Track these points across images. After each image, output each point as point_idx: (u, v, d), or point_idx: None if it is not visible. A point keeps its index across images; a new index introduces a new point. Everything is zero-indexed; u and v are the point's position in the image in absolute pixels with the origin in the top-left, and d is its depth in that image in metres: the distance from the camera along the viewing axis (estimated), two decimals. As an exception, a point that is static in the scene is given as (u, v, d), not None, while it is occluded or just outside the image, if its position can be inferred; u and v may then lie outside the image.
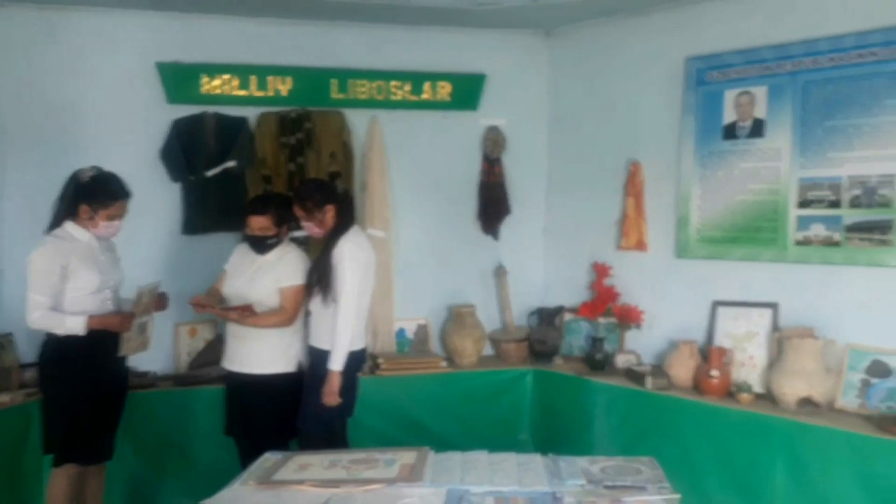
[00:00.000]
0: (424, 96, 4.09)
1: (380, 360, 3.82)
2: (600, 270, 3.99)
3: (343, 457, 2.36)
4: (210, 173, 3.77)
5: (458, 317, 4.07)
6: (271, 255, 3.15)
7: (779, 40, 3.34)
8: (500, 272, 4.26)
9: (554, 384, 3.90)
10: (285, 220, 3.17)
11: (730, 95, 3.50)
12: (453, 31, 4.10)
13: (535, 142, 4.33)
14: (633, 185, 3.86)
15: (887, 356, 3.03)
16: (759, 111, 3.41)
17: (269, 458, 2.39)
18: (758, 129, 3.42)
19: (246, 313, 3.02)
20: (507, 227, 4.27)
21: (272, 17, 3.84)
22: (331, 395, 2.94)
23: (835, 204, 3.18)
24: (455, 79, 4.12)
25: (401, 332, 4.10)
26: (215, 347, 3.63)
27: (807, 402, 3.07)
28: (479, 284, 4.30)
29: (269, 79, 3.88)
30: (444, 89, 4.11)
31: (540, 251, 4.38)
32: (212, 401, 3.44)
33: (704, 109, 3.59)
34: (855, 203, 3.13)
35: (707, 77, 3.58)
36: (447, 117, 4.17)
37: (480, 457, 2.33)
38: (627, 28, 3.90)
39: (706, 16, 3.59)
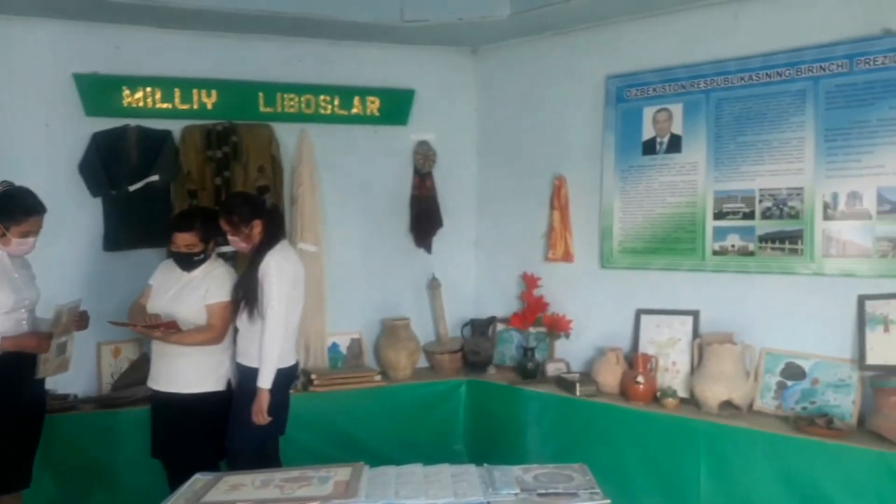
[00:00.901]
0: (354, 111, 4.10)
1: (312, 377, 3.78)
2: (529, 281, 4.08)
3: (276, 476, 2.32)
4: (133, 188, 3.66)
5: (391, 330, 4.07)
6: (198, 272, 3.07)
7: (692, 60, 3.51)
8: (433, 284, 4.29)
9: (487, 394, 3.95)
10: (212, 236, 3.10)
11: (648, 112, 3.66)
12: (381, 47, 4.13)
13: (465, 156, 4.40)
14: (558, 199, 3.97)
15: (801, 359, 3.20)
16: (676, 127, 3.58)
17: (198, 479, 2.32)
18: (675, 144, 3.58)
19: (170, 330, 2.94)
20: (440, 239, 4.31)
21: (196, 30, 3.77)
22: (260, 413, 2.89)
23: (748, 215, 3.36)
24: (384, 94, 4.15)
25: (334, 347, 4.07)
26: (140, 367, 3.51)
27: (727, 405, 3.21)
28: (412, 297, 4.32)
29: (194, 91, 3.80)
30: (374, 104, 4.12)
31: (472, 263, 4.44)
32: (137, 422, 3.31)
33: (625, 126, 3.74)
34: (767, 214, 3.31)
35: (627, 95, 3.73)
36: (377, 132, 4.19)
37: (415, 470, 2.34)
38: (551, 47, 4.02)
39: (625, 36, 3.75)
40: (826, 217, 3.14)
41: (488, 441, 3.91)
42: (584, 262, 3.96)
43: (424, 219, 4.24)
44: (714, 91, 3.44)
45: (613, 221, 3.80)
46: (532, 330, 4.01)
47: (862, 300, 3.04)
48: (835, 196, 3.12)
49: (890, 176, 2.98)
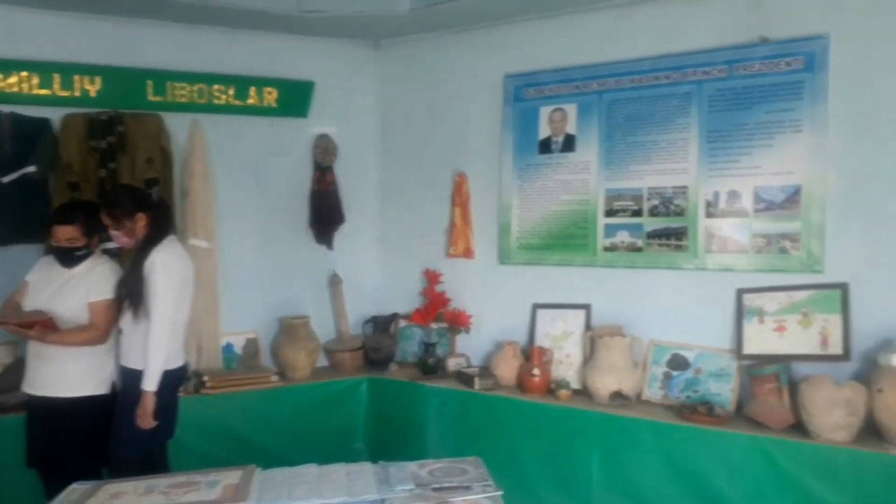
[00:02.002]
0: (250, 101, 3.97)
1: (205, 378, 3.64)
2: (431, 277, 4.09)
3: (160, 482, 2.22)
4: (6, 179, 3.40)
5: (290, 328, 3.98)
6: (80, 268, 2.92)
7: (586, 62, 3.62)
8: (334, 281, 4.23)
9: (388, 391, 3.93)
10: (96, 230, 2.94)
11: (544, 112, 3.75)
12: (279, 37, 4.02)
13: (367, 151, 4.36)
14: (459, 195, 4.01)
15: (685, 350, 3.37)
16: (571, 127, 3.68)
17: (76, 488, 2.20)
18: (569, 143, 3.69)
19: (47, 330, 2.75)
20: (341, 235, 4.25)
21: (78, 12, 3.54)
22: (145, 417, 2.75)
23: (637, 213, 3.50)
24: (282, 85, 4.04)
25: (228, 347, 3.93)
26: (15, 371, 3.24)
27: (618, 396, 3.33)
28: (312, 295, 4.24)
29: (76, 78, 3.56)
30: (271, 95, 4.01)
31: (374, 259, 4.41)
32: (10, 430, 3.06)
33: (522, 124, 3.82)
34: (654, 212, 3.46)
35: (524, 94, 3.81)
36: (275, 124, 4.08)
37: (309, 470, 2.30)
38: (452, 43, 4.05)
39: (522, 36, 3.81)
40: (708, 215, 3.32)
41: (389, 438, 3.90)
42: (483, 258, 4.01)
43: (325, 214, 4.16)
44: (606, 92, 3.57)
45: (511, 218, 3.87)
46: (434, 326, 4.03)
47: (740, 293, 3.23)
48: (716, 195, 3.30)
49: (765, 176, 3.18)
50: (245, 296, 4.01)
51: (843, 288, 3.01)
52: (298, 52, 4.11)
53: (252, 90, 3.97)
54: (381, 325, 4.13)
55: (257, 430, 3.69)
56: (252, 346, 4.02)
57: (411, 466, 2.31)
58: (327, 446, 3.73)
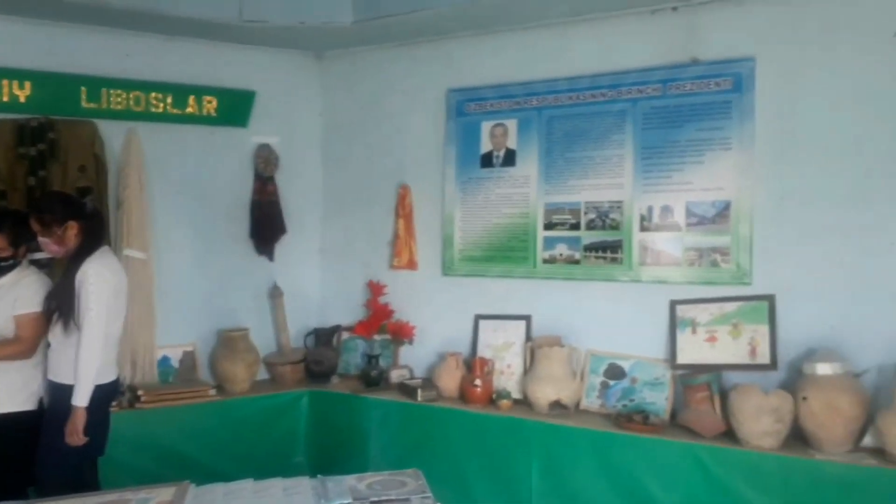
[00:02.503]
0: (189, 110, 3.90)
1: (139, 392, 3.54)
2: (375, 289, 4.08)
3: (90, 500, 2.15)
4: (-73, 187, 3.27)
5: (228, 341, 3.90)
6: (6, 279, 2.84)
7: (526, 78, 3.69)
8: (275, 293, 4.17)
9: (330, 404, 3.89)
10: (23, 240, 2.86)
11: (486, 127, 3.80)
12: (220, 46, 3.97)
13: (309, 161, 4.33)
14: (402, 207, 4.02)
15: (621, 360, 3.45)
16: (511, 142, 3.74)
17: (-3, 511, 2.10)
18: (510, 158, 3.75)
19: (-31, 343, 2.65)
20: (283, 246, 4.20)
21: (6, 14, 3.42)
22: (75, 433, 2.67)
23: (575, 226, 3.58)
24: (222, 94, 3.98)
25: (164, 361, 3.83)
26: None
27: (557, 405, 3.38)
28: (252, 306, 4.17)
29: (4, 83, 3.44)
30: (211, 104, 3.95)
31: (317, 271, 4.37)
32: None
33: (464, 138, 3.86)
34: (591, 225, 3.54)
35: (466, 108, 3.86)
36: (215, 133, 4.02)
37: (245, 486, 2.26)
38: (396, 57, 4.07)
39: (464, 51, 3.87)
40: (642, 229, 3.42)
41: (331, 452, 3.86)
42: (427, 270, 4.02)
43: (266, 225, 4.11)
44: (545, 108, 3.64)
45: (455, 230, 3.90)
46: (377, 337, 4.02)
47: (673, 305, 3.34)
48: (650, 209, 3.40)
49: (696, 192, 3.29)
50: (182, 308, 3.92)
51: (770, 300, 3.14)
52: (239, 62, 4.06)
53: (191, 99, 3.90)
54: (323, 337, 4.09)
55: (194, 445, 3.60)
56: (189, 359, 3.93)
57: (350, 480, 2.29)
58: (267, 461, 3.66)
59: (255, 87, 4.10)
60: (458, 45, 3.87)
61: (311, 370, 4.02)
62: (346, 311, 4.22)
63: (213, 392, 3.74)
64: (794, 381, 2.96)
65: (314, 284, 4.35)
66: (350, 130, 4.27)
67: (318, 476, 2.33)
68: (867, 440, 2.81)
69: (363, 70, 4.21)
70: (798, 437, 2.91)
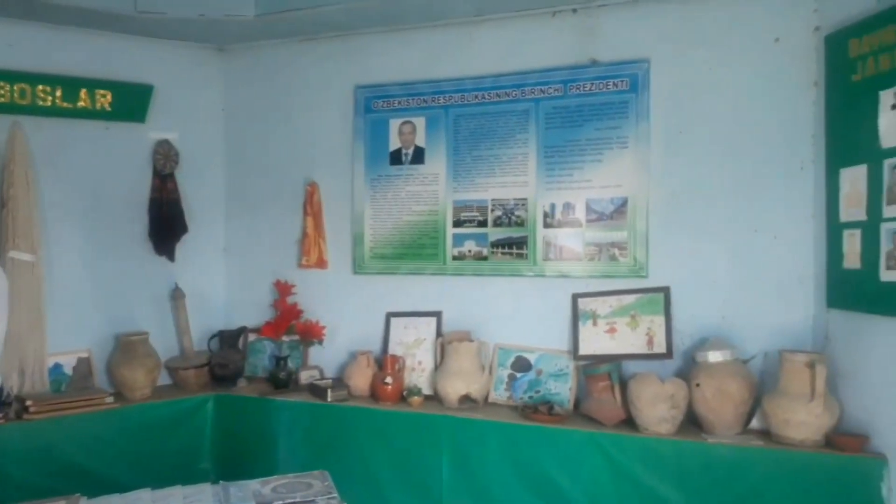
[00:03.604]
0: (81, 104, 3.71)
1: (28, 403, 3.33)
2: (283, 289, 4.01)
3: (-32, 521, 2.02)
4: None
5: (127, 346, 3.74)
6: None
7: (434, 76, 3.72)
8: (176, 295, 4.02)
9: (237, 408, 3.79)
10: None
11: (394, 124, 3.80)
12: (115, 37, 3.79)
13: (212, 158, 4.20)
14: (311, 205, 3.96)
15: (528, 353, 3.53)
16: (420, 140, 3.76)
17: None
18: (419, 155, 3.76)
19: None
20: (184, 246, 4.06)
21: None
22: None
23: (482, 223, 3.64)
24: (117, 87, 3.81)
25: (56, 369, 3.63)
26: None
27: (466, 399, 3.43)
28: (153, 309, 4.01)
29: None
30: (105, 98, 3.77)
31: (221, 271, 4.25)
32: None
33: (373, 136, 3.85)
34: (498, 222, 3.61)
35: (374, 105, 3.84)
36: (110, 128, 3.84)
37: (142, 496, 2.19)
38: (301, 52, 4.01)
39: (371, 48, 3.86)
40: (546, 225, 3.51)
41: (239, 456, 3.75)
42: (337, 268, 3.99)
43: (166, 224, 3.96)
44: (452, 107, 3.68)
45: (365, 228, 3.88)
46: (285, 338, 3.96)
47: (575, 298, 3.44)
48: (552, 206, 3.50)
49: (596, 189, 3.41)
50: (76, 312, 3.73)
51: (665, 292, 3.29)
52: (136, 54, 3.90)
53: (83, 92, 3.71)
54: (229, 339, 3.98)
55: (90, 456, 3.43)
56: (84, 366, 3.74)
57: (254, 484, 2.25)
58: (170, 469, 3.53)
59: (153, 80, 3.95)
60: (365, 41, 3.86)
61: (216, 374, 3.91)
62: (252, 312, 4.13)
63: (110, 400, 3.56)
64: (689, 369, 3.12)
65: (218, 285, 4.23)
66: (255, 126, 4.17)
67: (221, 482, 2.28)
68: (755, 423, 3.00)
69: (268, 65, 4.12)
70: (693, 421, 3.07)
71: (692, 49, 3.27)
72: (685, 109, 3.29)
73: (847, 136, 2.80)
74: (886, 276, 2.56)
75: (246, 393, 3.81)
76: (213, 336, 4.01)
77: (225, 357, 3.92)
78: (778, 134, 3.13)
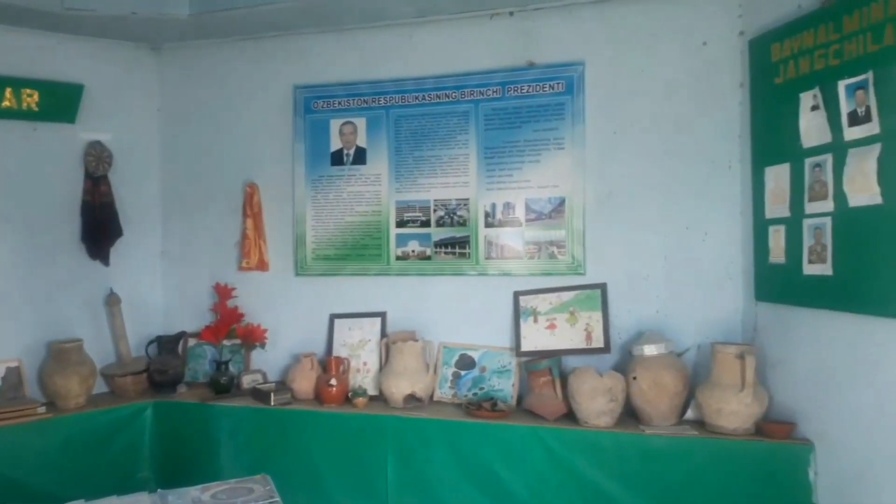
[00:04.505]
0: (5, 104, 3.57)
1: (-47, 416, 3.20)
2: (223, 292, 3.95)
3: None
4: None
5: (60, 354, 3.61)
6: None
7: (374, 77, 3.72)
8: (111, 300, 3.91)
9: (176, 415, 3.71)
10: None
11: (335, 124, 3.79)
12: (42, 35, 3.67)
13: (148, 159, 4.11)
14: (250, 207, 3.91)
15: (471, 350, 3.58)
16: (361, 140, 3.76)
17: None
18: (361, 156, 3.76)
19: None
20: (119, 250, 3.95)
21: None
22: None
23: (426, 223, 3.66)
24: (45, 87, 3.68)
25: (-16, 379, 3.49)
26: None
27: (411, 398, 3.44)
28: (87, 315, 3.90)
29: None
30: (32, 98, 3.63)
31: (158, 275, 4.16)
32: None
33: (314, 136, 3.83)
34: (441, 222, 3.64)
35: (314, 106, 3.82)
36: (38, 129, 3.71)
37: (74, 507, 2.12)
38: (239, 51, 3.95)
39: (310, 48, 3.83)
40: (487, 225, 3.56)
41: (180, 464, 3.68)
42: (279, 270, 3.95)
43: (99, 227, 3.85)
44: (393, 108, 3.69)
45: (307, 229, 3.86)
46: (226, 343, 3.89)
47: (517, 296, 3.50)
48: (493, 206, 3.55)
49: (534, 189, 3.48)
50: (5, 320, 3.60)
51: (602, 288, 3.38)
52: (64, 53, 3.78)
53: (8, 91, 3.57)
54: (167, 344, 3.90)
55: (21, 468, 3.31)
56: (14, 375, 3.59)
57: (193, 491, 2.22)
58: (107, 479, 3.44)
59: (84, 80, 3.83)
60: (304, 41, 3.83)
61: (155, 380, 3.82)
62: (192, 316, 4.05)
63: (42, 410, 3.44)
64: (626, 363, 3.21)
65: (156, 289, 4.14)
66: (192, 127, 4.10)
67: (159, 490, 2.24)
68: (689, 413, 3.11)
69: (205, 64, 4.05)
70: (631, 414, 3.16)
71: (625, 52, 3.36)
72: (619, 111, 3.38)
73: (771, 136, 2.93)
74: (809, 269, 2.68)
75: (186, 399, 3.73)
76: (151, 341, 3.91)
77: (164, 363, 3.83)
78: (707, 134, 3.26)
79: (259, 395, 3.62)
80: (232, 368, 3.84)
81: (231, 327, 3.88)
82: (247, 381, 3.79)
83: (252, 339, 3.87)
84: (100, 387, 3.83)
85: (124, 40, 3.91)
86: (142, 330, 3.99)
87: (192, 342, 4.02)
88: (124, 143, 3.98)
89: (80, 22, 3.53)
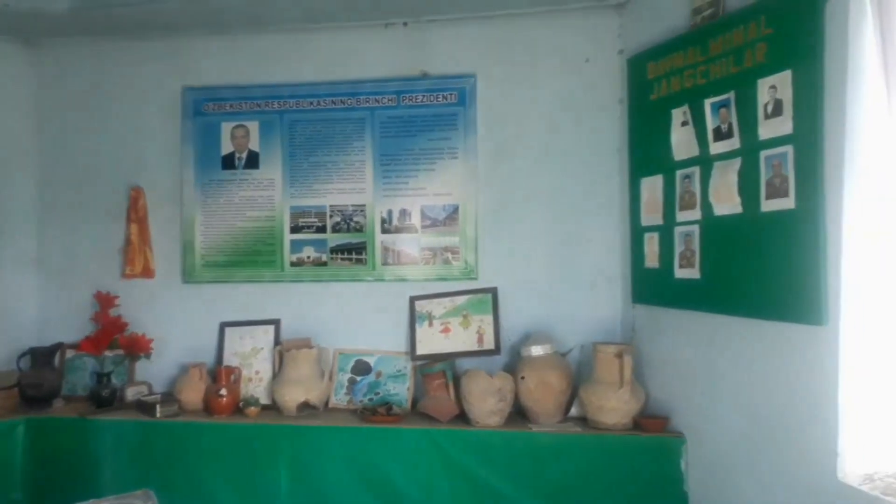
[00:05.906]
0: None
1: None
2: (104, 301, 3.76)
3: None
4: None
5: (-83, 369, 3.33)
6: None
7: (268, 81, 3.69)
8: (-22, 311, 3.65)
9: (52, 431, 3.48)
10: None
11: (226, 128, 3.72)
12: None
13: (19, 162, 3.85)
14: (135, 212, 3.75)
15: (367, 356, 3.59)
16: (254, 144, 3.70)
17: None
18: (253, 160, 3.70)
19: None
20: (-12, 258, 3.70)
21: None
22: None
23: (321, 229, 3.65)
24: None
25: None
26: None
27: (306, 406, 3.41)
28: (-51, 328, 3.61)
29: None
30: None
31: (31, 284, 3.90)
32: None
33: (203, 139, 3.73)
34: (337, 228, 3.64)
35: (204, 108, 3.73)
36: None
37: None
38: (123, 50, 3.80)
39: (200, 50, 3.74)
40: (384, 231, 3.60)
41: (56, 483, 3.46)
42: (165, 278, 3.81)
43: (-36, 233, 3.59)
44: (287, 112, 3.66)
45: (195, 235, 3.75)
46: (108, 353, 3.71)
47: (412, 301, 3.56)
48: (390, 213, 3.59)
49: (430, 196, 3.56)
50: None
51: (493, 292, 3.50)
52: (-75, 44, 3.50)
53: None
54: (42, 357, 3.66)
55: None
56: None
57: (71, 508, 2.11)
58: (-27, 503, 3.21)
59: (-53, 74, 3.57)
60: (193, 42, 3.74)
61: (28, 395, 3.57)
62: (70, 326, 3.83)
63: None
64: (515, 363, 3.33)
65: (29, 299, 3.88)
66: (71, 128, 3.89)
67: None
68: (574, 410, 3.26)
69: (86, 63, 3.86)
70: (520, 413, 3.28)
71: (513, 65, 3.51)
72: (508, 123, 3.52)
73: (646, 150, 3.14)
74: (680, 273, 2.90)
75: (63, 414, 3.52)
76: (24, 354, 3.66)
77: (38, 376, 3.60)
78: (588, 146, 3.45)
79: (144, 407, 3.48)
80: (115, 381, 3.66)
81: (113, 337, 3.70)
82: (131, 393, 3.63)
83: (136, 349, 3.71)
84: (-36, 404, 3.55)
85: (-5, 34, 3.68)
86: (12, 341, 3.74)
87: (70, 354, 3.80)
88: (-6, 143, 3.73)
89: (-57, 12, 3.29)
